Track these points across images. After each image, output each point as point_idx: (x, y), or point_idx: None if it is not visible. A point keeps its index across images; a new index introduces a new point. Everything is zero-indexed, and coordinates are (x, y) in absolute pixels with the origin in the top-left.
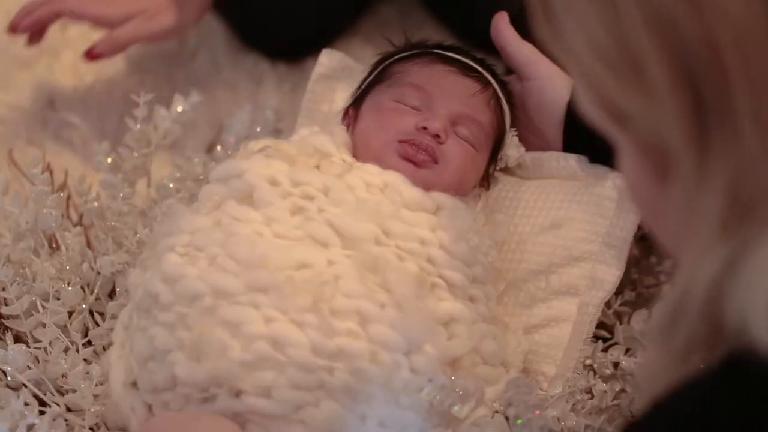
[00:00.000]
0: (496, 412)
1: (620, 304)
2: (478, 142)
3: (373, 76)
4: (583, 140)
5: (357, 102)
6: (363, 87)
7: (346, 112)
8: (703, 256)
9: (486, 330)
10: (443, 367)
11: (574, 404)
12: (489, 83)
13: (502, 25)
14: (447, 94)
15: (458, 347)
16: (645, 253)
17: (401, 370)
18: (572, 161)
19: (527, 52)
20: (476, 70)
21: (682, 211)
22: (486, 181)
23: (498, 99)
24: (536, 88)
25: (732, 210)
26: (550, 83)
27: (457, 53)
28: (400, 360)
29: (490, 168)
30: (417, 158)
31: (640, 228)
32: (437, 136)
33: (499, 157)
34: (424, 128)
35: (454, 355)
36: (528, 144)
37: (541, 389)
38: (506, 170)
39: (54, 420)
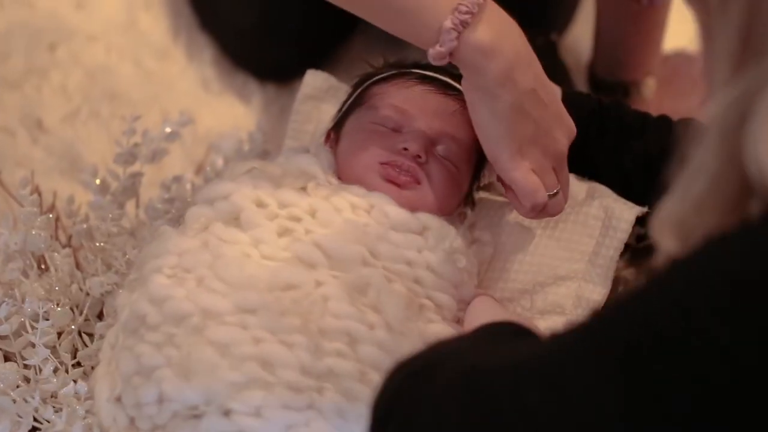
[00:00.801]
0: None
1: None
2: (460, 160)
3: (352, 98)
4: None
5: (338, 125)
6: (343, 110)
7: (327, 136)
8: (716, 96)
9: None
10: None
11: None
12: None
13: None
14: (426, 114)
15: None
16: (636, 276)
17: None
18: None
19: None
20: (455, 88)
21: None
22: (470, 198)
23: None
24: None
25: (744, 49)
26: None
27: (435, 71)
28: None
29: (474, 185)
30: (399, 180)
31: (627, 247)
32: (418, 156)
33: (482, 173)
34: (405, 149)
35: None
36: None
37: None
38: (492, 190)
39: None
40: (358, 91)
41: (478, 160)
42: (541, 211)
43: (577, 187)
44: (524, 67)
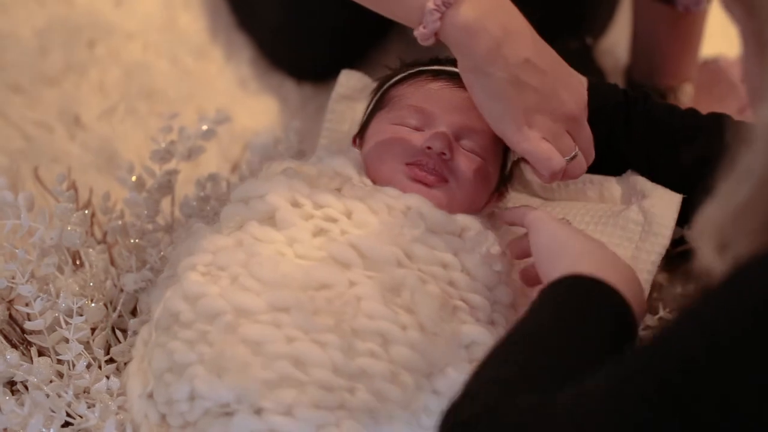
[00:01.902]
0: None
1: (642, 329)
2: (485, 151)
3: (372, 103)
4: (598, 133)
5: (361, 131)
6: (366, 115)
7: (353, 142)
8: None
9: None
10: None
11: None
12: None
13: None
14: (446, 110)
15: None
16: (670, 281)
17: (423, 392)
18: (599, 182)
19: None
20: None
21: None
22: (504, 189)
23: None
24: None
25: None
26: None
27: (451, 66)
28: (422, 382)
29: (504, 173)
30: (427, 180)
31: (667, 253)
32: (443, 154)
33: (509, 160)
34: (429, 148)
35: None
36: None
37: None
38: (531, 191)
39: None
40: (377, 95)
41: (504, 147)
42: (563, 175)
43: (615, 191)
44: (513, 40)
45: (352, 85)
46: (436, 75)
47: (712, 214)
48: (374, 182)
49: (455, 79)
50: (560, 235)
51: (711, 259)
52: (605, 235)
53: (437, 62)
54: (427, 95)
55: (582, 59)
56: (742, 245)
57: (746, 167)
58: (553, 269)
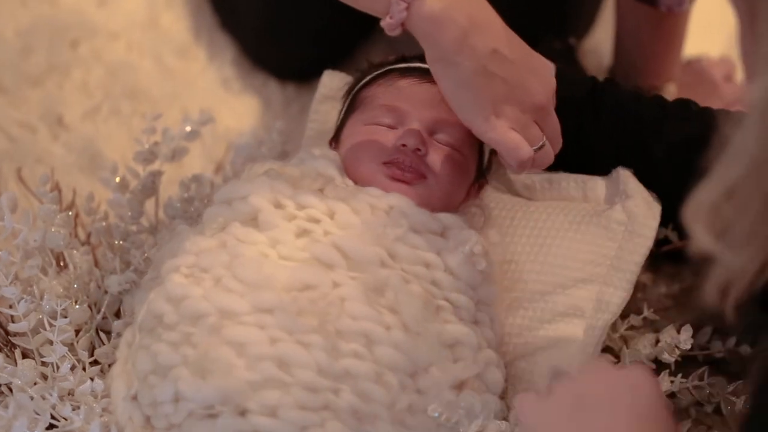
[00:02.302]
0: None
1: (626, 329)
2: (460, 143)
3: (345, 106)
4: (569, 125)
5: (336, 135)
6: (339, 119)
7: (329, 145)
8: (759, 79)
9: (491, 357)
10: (450, 390)
11: None
12: None
13: None
14: (417, 106)
15: (464, 370)
16: (654, 281)
17: (407, 392)
18: (583, 182)
19: None
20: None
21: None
22: (483, 179)
23: None
24: None
25: None
26: None
27: (417, 61)
28: (406, 381)
29: (481, 166)
30: (405, 178)
31: (651, 253)
32: (417, 150)
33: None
34: (403, 145)
35: (460, 378)
36: None
37: None
38: (514, 191)
39: None
40: (349, 98)
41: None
42: (531, 165)
43: (600, 191)
44: (481, 30)
45: (335, 86)
46: (405, 72)
47: (705, 195)
48: (356, 183)
49: (424, 74)
50: None
51: (706, 242)
52: (588, 235)
53: (404, 60)
54: (397, 93)
55: (566, 59)
56: (742, 228)
57: (739, 145)
58: None
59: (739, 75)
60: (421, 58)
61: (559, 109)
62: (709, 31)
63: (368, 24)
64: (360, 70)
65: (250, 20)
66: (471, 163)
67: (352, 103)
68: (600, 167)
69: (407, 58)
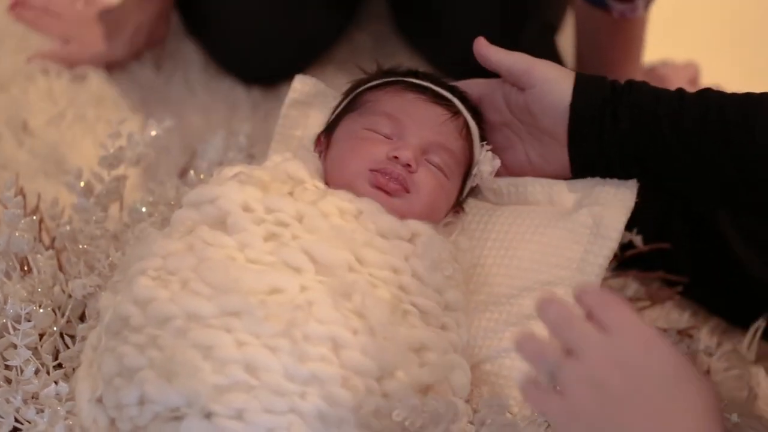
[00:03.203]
0: None
1: None
2: (449, 170)
3: (345, 104)
4: (588, 132)
5: (329, 129)
6: (335, 115)
7: (318, 139)
8: None
9: (457, 362)
10: (415, 394)
11: (546, 428)
12: (459, 112)
13: (484, 49)
14: (418, 123)
15: (430, 374)
16: (622, 285)
17: (373, 396)
18: (549, 186)
19: (521, 62)
20: (446, 98)
21: None
22: (459, 207)
23: (468, 127)
24: (538, 94)
25: None
26: (550, 86)
27: (428, 81)
28: (372, 385)
29: (462, 195)
30: (388, 187)
31: (615, 257)
32: (408, 165)
33: (473, 173)
34: (396, 157)
35: (426, 382)
36: (537, 162)
37: (510, 413)
38: (479, 196)
39: None
40: (351, 96)
41: (466, 170)
42: None
43: (566, 196)
44: None
45: (306, 91)
46: (416, 88)
47: None
48: (333, 185)
49: (431, 94)
50: None
51: None
52: (554, 238)
53: (415, 75)
54: (402, 105)
55: (545, 48)
56: None
57: None
58: None
59: (704, 80)
60: (433, 77)
61: (576, 118)
62: (673, 36)
63: (333, 31)
64: (366, 72)
65: (218, 26)
66: (453, 191)
67: (353, 102)
68: (619, 171)
69: (418, 73)
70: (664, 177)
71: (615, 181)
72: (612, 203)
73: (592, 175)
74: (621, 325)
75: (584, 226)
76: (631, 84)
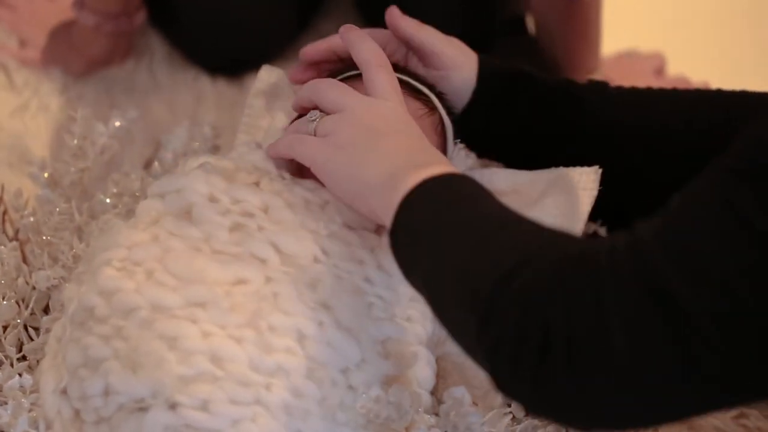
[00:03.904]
0: (434, 426)
1: None
2: None
3: None
4: (478, 126)
5: (299, 119)
6: None
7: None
8: None
9: (422, 354)
10: (380, 385)
11: (511, 419)
12: (436, 108)
13: (396, 20)
14: None
15: (394, 366)
16: None
17: (338, 388)
18: (513, 175)
19: (430, 41)
20: (424, 94)
21: None
22: None
23: (443, 125)
24: (442, 78)
25: None
26: (456, 74)
27: (405, 74)
28: (337, 377)
29: None
30: None
31: None
32: None
33: None
34: None
35: (390, 374)
36: None
37: (474, 404)
38: None
39: None
40: None
41: None
42: None
43: (530, 185)
44: None
45: (272, 81)
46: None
47: None
48: (298, 175)
49: (409, 88)
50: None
51: None
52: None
53: (394, 68)
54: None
55: (516, 33)
56: None
57: None
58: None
59: (670, 69)
60: (409, 71)
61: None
62: (639, 25)
63: (303, 19)
64: (345, 62)
65: (182, 15)
66: None
67: None
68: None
69: (398, 67)
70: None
71: (578, 168)
72: (575, 192)
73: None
74: (383, 91)
75: (549, 216)
76: (530, 75)
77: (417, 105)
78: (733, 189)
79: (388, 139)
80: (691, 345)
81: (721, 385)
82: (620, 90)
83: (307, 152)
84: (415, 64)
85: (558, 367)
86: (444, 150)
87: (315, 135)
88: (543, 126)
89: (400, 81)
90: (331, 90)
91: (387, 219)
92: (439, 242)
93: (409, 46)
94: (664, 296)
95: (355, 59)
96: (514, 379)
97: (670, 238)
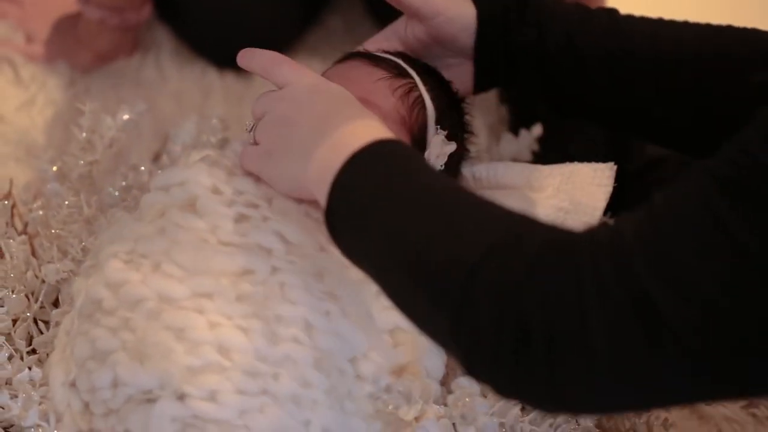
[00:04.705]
0: (442, 416)
1: None
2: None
3: None
4: (494, 39)
5: None
6: None
7: None
8: None
9: (431, 343)
10: (389, 375)
11: (521, 410)
12: (404, 74)
13: None
14: (346, 81)
15: (403, 356)
16: None
17: (346, 377)
18: (526, 170)
19: None
20: (391, 62)
21: None
22: None
23: (413, 90)
24: (443, 23)
25: None
26: (453, 12)
27: (389, 54)
28: (345, 367)
29: None
30: None
31: None
32: None
33: (425, 155)
34: None
35: (399, 363)
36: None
37: (483, 395)
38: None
39: None
40: None
41: (414, 136)
42: None
43: (544, 179)
44: None
45: None
46: (363, 56)
47: None
48: None
49: (373, 57)
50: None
51: None
52: None
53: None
54: (341, 69)
55: None
56: None
57: None
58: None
59: None
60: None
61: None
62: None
63: (310, 13)
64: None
65: (190, 9)
66: None
67: None
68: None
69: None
70: (566, 91)
71: (593, 164)
72: (590, 187)
73: (494, 85)
74: (291, 77)
75: (562, 210)
76: None
77: (375, 70)
78: (716, 199)
79: (299, 127)
80: (669, 351)
81: (698, 388)
82: (631, 18)
83: (250, 166)
84: (413, 33)
85: (536, 363)
86: (413, 120)
87: (256, 142)
88: (557, 49)
89: (369, 56)
90: (261, 97)
91: None
92: (385, 224)
93: (401, 6)
94: (645, 302)
95: (256, 72)
96: (490, 371)
97: (652, 243)
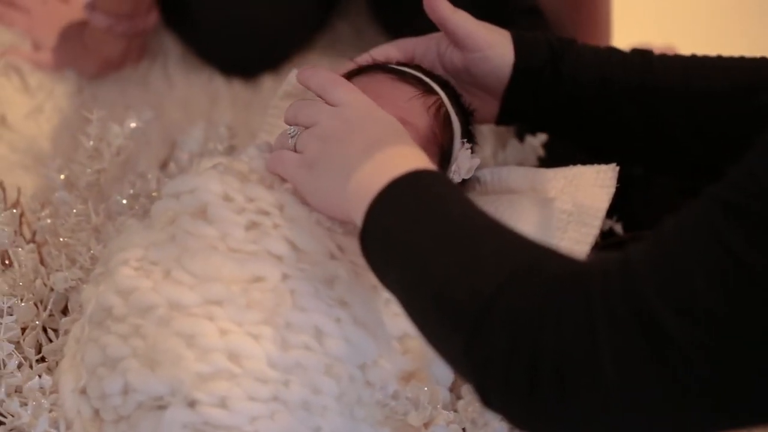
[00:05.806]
0: (452, 421)
1: None
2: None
3: None
4: (526, 86)
5: None
6: None
7: None
8: None
9: None
10: (398, 381)
11: None
12: (432, 91)
13: (434, 3)
14: (378, 98)
15: (412, 362)
16: None
17: (356, 384)
18: (531, 173)
19: (464, 24)
20: (417, 78)
21: None
22: None
23: (441, 107)
24: (481, 59)
25: None
26: (494, 51)
27: (410, 68)
28: (355, 373)
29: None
30: None
31: (596, 244)
32: None
33: (452, 169)
34: None
35: (408, 370)
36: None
37: None
38: (464, 186)
39: None
40: None
41: (443, 152)
42: None
43: (548, 183)
44: None
45: (299, 85)
46: (386, 69)
47: None
48: None
49: (402, 74)
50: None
51: None
52: (534, 226)
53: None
54: (367, 84)
55: (534, 17)
56: None
57: None
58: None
59: None
60: (419, 67)
61: (516, 81)
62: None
63: (315, 23)
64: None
65: (197, 17)
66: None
67: None
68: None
69: (402, 63)
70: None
71: (596, 166)
72: (593, 189)
73: (517, 123)
74: (346, 99)
75: (566, 213)
76: (569, 42)
77: (407, 88)
78: (723, 222)
79: (347, 147)
80: (680, 378)
81: (711, 414)
82: (664, 57)
83: (286, 173)
84: (450, 55)
85: (548, 393)
86: (443, 137)
87: (296, 150)
88: (593, 94)
89: (392, 69)
90: (306, 106)
91: None
92: (412, 251)
93: (445, 29)
94: (655, 329)
95: (313, 89)
96: (502, 401)
97: (661, 270)
